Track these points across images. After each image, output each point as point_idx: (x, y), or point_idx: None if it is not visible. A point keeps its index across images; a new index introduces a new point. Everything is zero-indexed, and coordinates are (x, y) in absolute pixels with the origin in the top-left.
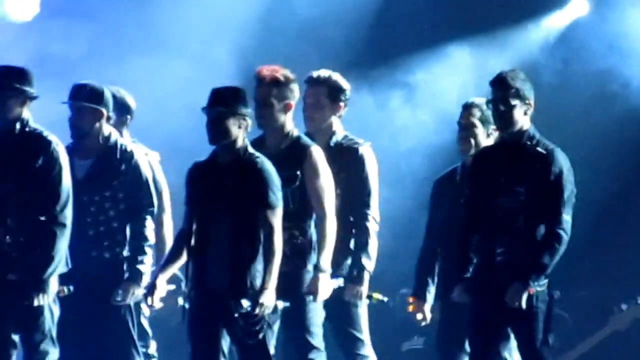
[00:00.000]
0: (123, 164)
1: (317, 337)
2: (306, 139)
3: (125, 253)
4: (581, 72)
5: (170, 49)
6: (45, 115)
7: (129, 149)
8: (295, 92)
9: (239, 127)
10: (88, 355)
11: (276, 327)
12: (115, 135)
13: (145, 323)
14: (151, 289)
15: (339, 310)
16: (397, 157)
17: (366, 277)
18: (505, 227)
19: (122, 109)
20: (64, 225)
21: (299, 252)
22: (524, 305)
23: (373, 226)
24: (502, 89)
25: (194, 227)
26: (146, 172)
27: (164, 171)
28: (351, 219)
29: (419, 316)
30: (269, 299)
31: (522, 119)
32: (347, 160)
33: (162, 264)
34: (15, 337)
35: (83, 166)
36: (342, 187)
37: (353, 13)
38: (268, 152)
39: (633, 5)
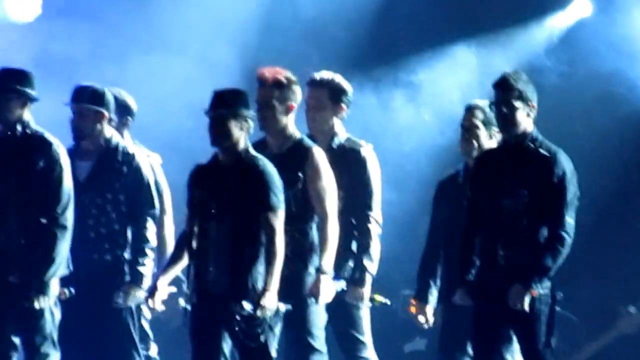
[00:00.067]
0: (124, 166)
1: (319, 340)
2: (308, 141)
3: (127, 255)
4: (586, 74)
5: (172, 48)
6: (48, 115)
7: (130, 151)
8: (297, 94)
9: (241, 129)
10: (89, 357)
11: (278, 329)
12: (116, 137)
13: (146, 325)
14: (152, 291)
15: (341, 312)
16: (401, 157)
17: (368, 279)
18: (508, 230)
19: (123, 111)
20: (65, 228)
21: (300, 254)
22: (526, 307)
23: (375, 228)
24: (504, 91)
25: (196, 229)
26: (148, 174)
27: (166, 170)
28: (353, 221)
29: (421, 319)
30: (271, 302)
31: (525, 121)
32: (349, 162)
33: (163, 267)
34: (16, 340)
35: (84, 168)
36: (344, 189)
37: (356, 12)
38: (270, 154)
39: (639, 7)
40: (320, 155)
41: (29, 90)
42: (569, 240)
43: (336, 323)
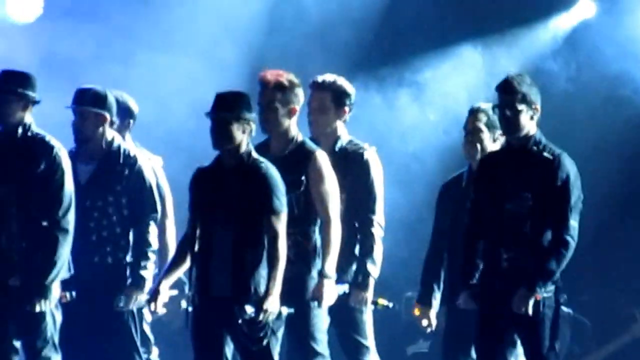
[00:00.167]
0: (126, 168)
1: (321, 344)
2: (311, 144)
3: (128, 258)
4: (591, 77)
5: (177, 48)
6: (54, 117)
7: (132, 154)
8: (300, 97)
9: (243, 132)
10: None
11: (280, 333)
12: (118, 140)
13: (147, 329)
14: (154, 294)
15: (344, 316)
16: (406, 157)
17: (371, 283)
18: (511, 233)
19: (125, 113)
20: (66, 231)
21: (303, 257)
22: (530, 311)
23: (378, 232)
24: (508, 94)
25: (198, 232)
26: (149, 177)
27: (171, 169)
28: (356, 224)
29: (425, 322)
30: (273, 305)
31: (529, 124)
32: (352, 165)
33: (165, 270)
34: (17, 343)
35: (86, 171)
36: (347, 192)
37: (361, 12)
38: (272, 156)
39: None
40: (323, 158)
41: (30, 93)
42: (572, 243)
43: (339, 326)
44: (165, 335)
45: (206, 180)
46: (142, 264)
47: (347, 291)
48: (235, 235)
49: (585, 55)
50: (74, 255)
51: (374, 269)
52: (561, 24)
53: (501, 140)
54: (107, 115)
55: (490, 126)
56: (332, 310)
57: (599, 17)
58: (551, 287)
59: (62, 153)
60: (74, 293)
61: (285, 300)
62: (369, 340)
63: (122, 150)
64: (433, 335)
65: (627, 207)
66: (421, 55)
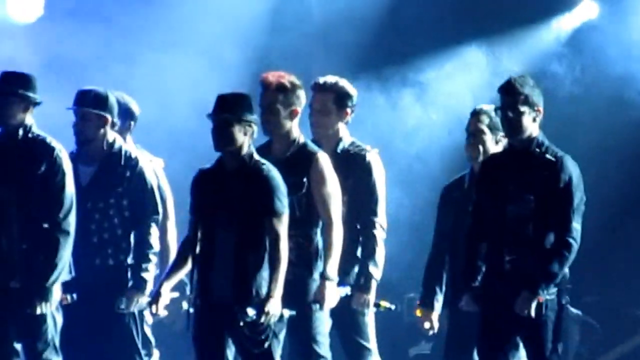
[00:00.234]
0: (127, 170)
1: (323, 346)
2: (312, 146)
3: (130, 260)
4: (596, 78)
5: (180, 48)
6: (57, 117)
7: (133, 156)
8: (302, 98)
9: (245, 133)
10: None
11: (282, 336)
12: (119, 142)
13: (148, 331)
14: (155, 296)
15: (346, 318)
16: (409, 157)
17: (373, 285)
18: (514, 235)
19: (126, 115)
20: (67, 233)
21: (305, 259)
22: (533, 314)
23: (380, 234)
24: (510, 96)
25: (199, 234)
26: (151, 179)
27: (173, 169)
28: (358, 226)
29: (427, 325)
30: (275, 308)
31: (531, 125)
32: (354, 167)
33: (166, 272)
34: (18, 346)
35: (87, 173)
36: (349, 194)
37: (364, 12)
38: (274, 158)
39: None
40: (324, 160)
41: (31, 94)
42: (575, 246)
43: (341, 329)
44: (167, 337)
45: (207, 182)
46: (144, 266)
47: (349, 293)
48: (237, 237)
49: (590, 57)
50: (75, 257)
51: (376, 271)
52: (564, 24)
53: (503, 142)
54: (109, 117)
55: (492, 128)
56: (334, 312)
57: (603, 19)
58: (554, 290)
59: (63, 154)
60: (75, 295)
61: (287, 302)
62: (371, 342)
63: (123, 152)
64: (435, 337)
65: (631, 208)
66: (424, 55)
